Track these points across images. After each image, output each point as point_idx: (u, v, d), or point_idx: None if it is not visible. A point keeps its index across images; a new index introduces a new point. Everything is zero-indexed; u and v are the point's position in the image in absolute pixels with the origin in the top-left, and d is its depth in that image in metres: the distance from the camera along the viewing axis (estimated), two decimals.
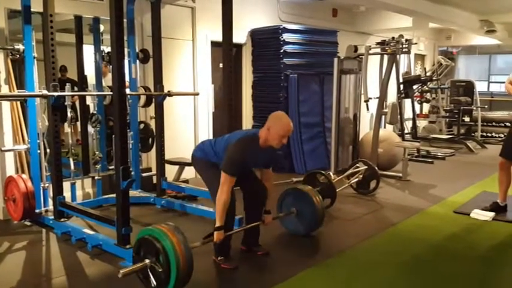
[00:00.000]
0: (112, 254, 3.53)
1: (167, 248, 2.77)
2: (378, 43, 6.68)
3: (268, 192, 3.58)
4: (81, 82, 5.31)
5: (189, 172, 5.93)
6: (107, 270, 3.35)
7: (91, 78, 5.39)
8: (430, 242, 4.03)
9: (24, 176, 4.29)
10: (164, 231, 2.85)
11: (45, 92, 3.96)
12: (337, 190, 4.92)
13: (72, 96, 4.80)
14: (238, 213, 3.62)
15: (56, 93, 3.95)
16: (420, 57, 11.91)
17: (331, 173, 5.83)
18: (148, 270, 2.86)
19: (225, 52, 4.28)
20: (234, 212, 3.41)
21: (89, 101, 5.23)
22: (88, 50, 5.35)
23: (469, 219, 4.61)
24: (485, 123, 10.47)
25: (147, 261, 2.85)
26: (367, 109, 6.61)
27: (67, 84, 4.40)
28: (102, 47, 5.28)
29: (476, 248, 3.90)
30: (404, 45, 6.49)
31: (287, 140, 3.30)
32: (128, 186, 3.32)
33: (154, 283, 2.84)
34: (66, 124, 4.59)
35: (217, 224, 3.21)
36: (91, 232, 3.81)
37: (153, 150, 5.26)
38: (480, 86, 12.68)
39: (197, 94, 5.97)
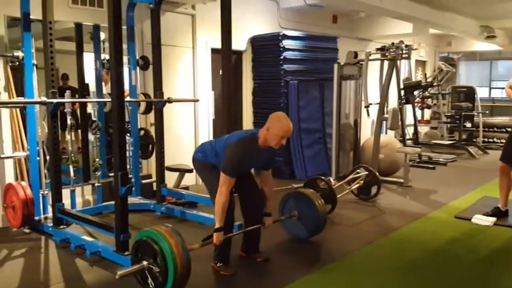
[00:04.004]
0: (111, 260, 3.51)
1: (165, 249, 2.77)
2: (378, 49, 6.68)
3: (267, 195, 3.57)
4: (82, 89, 5.32)
5: (190, 179, 5.93)
6: (105, 277, 3.33)
7: (93, 86, 5.40)
8: (431, 247, 4.01)
9: (23, 183, 4.29)
10: (162, 232, 2.85)
11: (44, 98, 3.97)
12: (338, 196, 4.90)
13: (73, 104, 4.82)
14: (237, 220, 3.61)
15: (54, 100, 3.96)
16: (421, 64, 11.91)
17: (331, 179, 5.79)
18: (146, 272, 2.86)
19: (224, 59, 4.28)
20: (232, 218, 3.40)
21: (90, 108, 5.24)
22: (90, 58, 5.37)
23: (470, 224, 4.59)
24: (486, 129, 10.44)
25: (144, 262, 2.85)
26: (368, 115, 6.60)
27: (67, 91, 4.43)
28: (103, 55, 5.30)
29: (478, 253, 3.87)
30: (404, 51, 6.50)
31: (286, 141, 3.27)
32: (126, 192, 3.31)
33: (152, 285, 2.84)
34: (66, 132, 4.59)
35: (217, 226, 3.20)
36: (90, 239, 3.80)
37: (153, 157, 5.25)
38: (481, 92, 12.65)
39: (197, 101, 5.99)
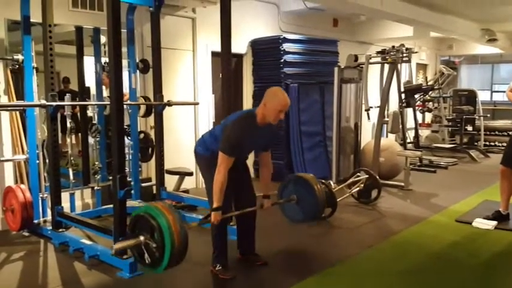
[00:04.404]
0: (109, 264, 3.50)
1: (162, 225, 2.73)
2: (378, 52, 6.68)
3: (267, 176, 3.55)
4: (82, 93, 5.32)
5: (190, 182, 5.92)
6: (103, 280, 3.32)
7: (94, 89, 5.40)
8: (431, 251, 3.99)
9: (22, 186, 4.29)
10: (160, 208, 2.81)
11: (43, 101, 3.97)
12: (338, 199, 4.88)
13: (73, 107, 4.82)
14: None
15: (54, 103, 3.96)
16: (422, 67, 11.90)
17: (331, 182, 5.79)
18: (143, 247, 2.83)
19: (224, 62, 4.28)
20: (230, 221, 3.40)
21: (91, 112, 5.23)
22: (91, 62, 5.36)
23: (471, 228, 4.56)
24: (488, 132, 10.42)
25: (141, 238, 2.82)
26: (368, 118, 6.59)
27: (67, 94, 4.43)
28: (103, 58, 5.29)
29: (478, 256, 3.85)
30: (404, 54, 6.49)
31: (284, 115, 3.24)
32: (124, 195, 3.30)
33: (149, 260, 2.82)
34: (66, 135, 4.59)
35: (215, 205, 3.16)
36: (88, 242, 3.79)
37: (153, 160, 5.25)
38: (483, 96, 12.63)
39: (197, 104, 5.99)
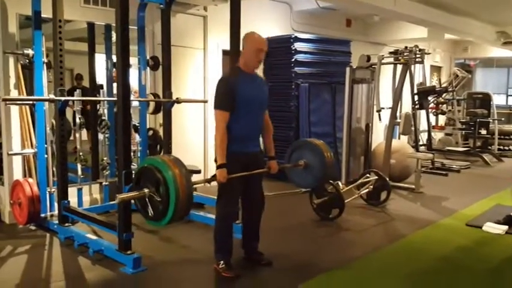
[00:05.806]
0: (113, 259, 3.50)
1: (168, 179, 2.69)
2: (390, 53, 6.61)
3: (269, 134, 3.53)
4: (93, 89, 5.34)
5: (197, 179, 5.89)
6: (107, 275, 3.32)
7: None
8: (440, 254, 3.92)
9: (30, 180, 4.31)
10: (166, 162, 2.78)
11: (52, 96, 3.99)
12: (347, 201, 4.83)
13: (84, 103, 4.84)
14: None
15: (62, 98, 3.98)
16: (436, 69, 11.77)
17: (340, 183, 5.73)
18: (147, 200, 2.81)
19: (234, 61, 4.25)
20: (236, 218, 3.37)
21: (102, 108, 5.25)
22: (104, 59, 5.37)
23: (481, 232, 4.48)
24: (502, 136, 10.25)
25: (146, 190, 2.80)
26: (380, 119, 6.52)
27: (76, 90, 4.46)
28: (114, 55, 5.31)
29: (487, 261, 3.77)
30: (417, 55, 6.41)
31: (264, 55, 3.25)
32: (129, 191, 3.29)
33: (152, 213, 2.80)
34: (78, 130, 4.62)
35: (219, 162, 3.14)
36: (93, 237, 3.79)
37: None
38: (498, 99, 12.43)
39: (206, 102, 5.98)
